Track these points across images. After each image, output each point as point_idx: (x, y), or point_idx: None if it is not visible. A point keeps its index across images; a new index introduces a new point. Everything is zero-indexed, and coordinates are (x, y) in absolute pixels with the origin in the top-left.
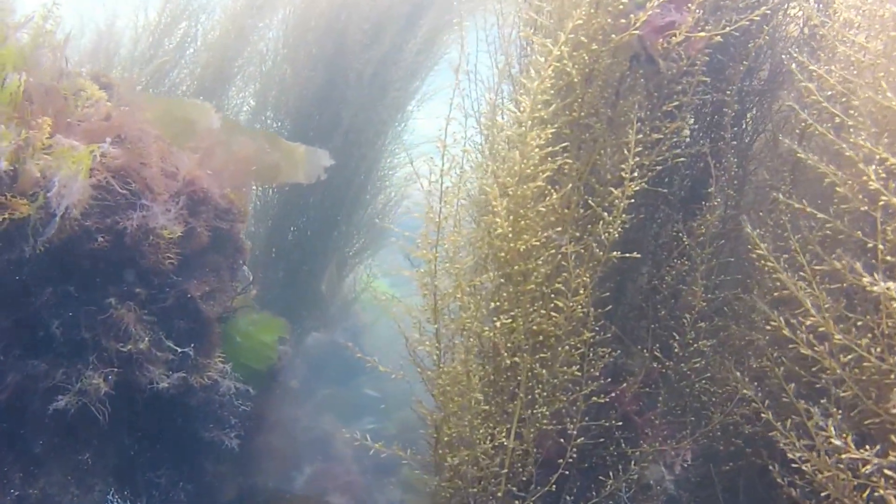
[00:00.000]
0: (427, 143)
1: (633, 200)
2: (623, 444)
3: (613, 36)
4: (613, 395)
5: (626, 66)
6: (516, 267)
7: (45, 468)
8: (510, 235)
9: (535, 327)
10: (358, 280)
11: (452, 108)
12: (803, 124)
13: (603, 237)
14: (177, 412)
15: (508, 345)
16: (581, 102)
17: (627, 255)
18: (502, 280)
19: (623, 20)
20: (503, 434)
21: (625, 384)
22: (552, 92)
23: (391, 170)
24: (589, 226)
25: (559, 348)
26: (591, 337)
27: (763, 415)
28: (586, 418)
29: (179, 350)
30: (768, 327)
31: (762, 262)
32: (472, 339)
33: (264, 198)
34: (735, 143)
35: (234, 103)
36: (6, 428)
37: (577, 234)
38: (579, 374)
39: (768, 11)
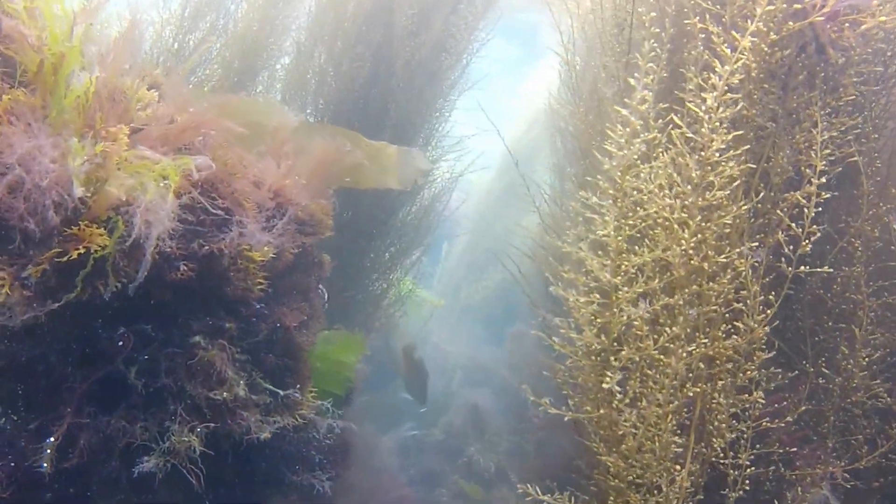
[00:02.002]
0: (474, 136)
1: (819, 209)
2: (782, 468)
3: (791, 23)
4: (783, 421)
5: (794, 58)
6: (694, 287)
7: None
8: (691, 252)
9: (711, 352)
10: (398, 282)
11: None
12: None
13: (787, 250)
14: (261, 455)
15: (690, 374)
16: (751, 99)
17: (818, 269)
18: (680, 303)
19: (797, 5)
20: (682, 474)
21: (800, 407)
22: (726, 88)
23: (434, 163)
24: (759, 235)
25: (738, 374)
26: (764, 359)
27: None
28: (758, 446)
29: (282, 393)
30: None
31: None
32: (658, 372)
33: None
34: (876, 136)
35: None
36: (73, 494)
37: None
38: (763, 400)
39: None
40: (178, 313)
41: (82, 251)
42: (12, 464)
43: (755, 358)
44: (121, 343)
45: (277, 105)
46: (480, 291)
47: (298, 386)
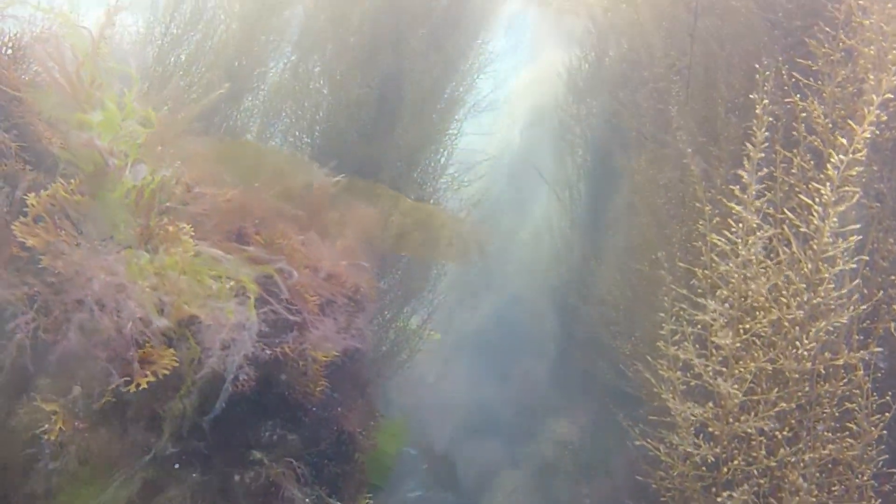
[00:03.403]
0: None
1: None
2: None
3: None
4: None
5: None
6: (806, 389)
7: None
8: (806, 354)
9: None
10: (409, 331)
11: None
12: None
13: None
14: None
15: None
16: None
17: None
18: (793, 406)
19: None
20: None
21: None
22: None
23: (446, 192)
24: (866, 323)
25: (853, 478)
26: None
27: None
28: None
29: None
30: None
31: None
32: (771, 482)
33: None
34: None
35: (251, 126)
36: None
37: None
38: None
39: None
40: (233, 424)
41: (151, 378)
42: None
43: (866, 457)
44: (171, 464)
45: (303, 161)
46: (476, 318)
47: (342, 488)
